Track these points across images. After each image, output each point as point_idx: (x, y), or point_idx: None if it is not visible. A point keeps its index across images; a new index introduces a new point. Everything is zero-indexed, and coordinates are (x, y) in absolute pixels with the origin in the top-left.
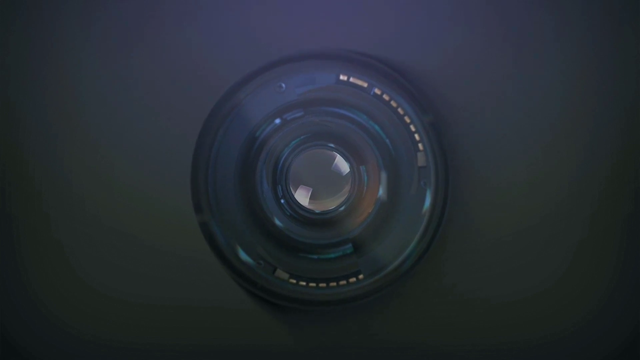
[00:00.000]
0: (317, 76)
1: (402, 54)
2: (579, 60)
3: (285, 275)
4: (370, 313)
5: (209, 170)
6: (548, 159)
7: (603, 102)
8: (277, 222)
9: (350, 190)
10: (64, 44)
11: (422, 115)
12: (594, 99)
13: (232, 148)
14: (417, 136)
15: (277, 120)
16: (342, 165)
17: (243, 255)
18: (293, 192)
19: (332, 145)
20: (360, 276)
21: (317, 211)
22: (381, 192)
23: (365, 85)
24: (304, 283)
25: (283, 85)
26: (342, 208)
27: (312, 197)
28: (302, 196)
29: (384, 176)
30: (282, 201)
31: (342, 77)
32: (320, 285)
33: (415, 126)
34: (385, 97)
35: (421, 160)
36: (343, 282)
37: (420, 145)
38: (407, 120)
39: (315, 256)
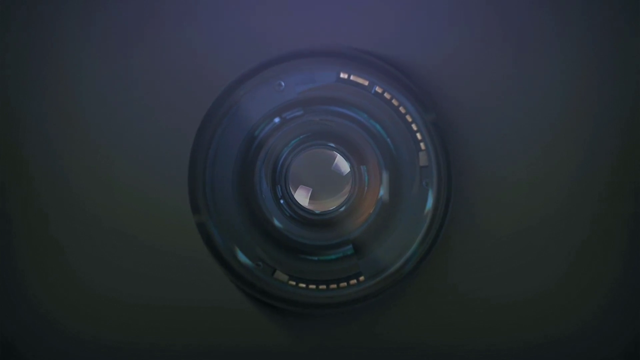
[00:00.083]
0: (317, 74)
1: (404, 51)
2: (581, 59)
3: (284, 277)
4: (371, 314)
5: (207, 170)
6: (551, 158)
7: (605, 100)
8: (277, 222)
9: (350, 190)
10: (63, 43)
11: (424, 114)
12: (596, 97)
13: (231, 147)
14: (418, 135)
15: (277, 119)
16: (343, 165)
17: (241, 257)
18: (293, 192)
19: (332, 144)
20: (361, 278)
21: (317, 212)
22: (382, 192)
23: (366, 83)
24: (303, 285)
25: (282, 83)
26: (342, 208)
27: (312, 198)
28: (301, 196)
29: (385, 176)
30: (282, 201)
31: (343, 75)
32: (320, 287)
33: (417, 125)
34: (387, 95)
35: (423, 159)
36: (343, 284)
37: (422, 145)
38: (409, 119)
39: (315, 258)
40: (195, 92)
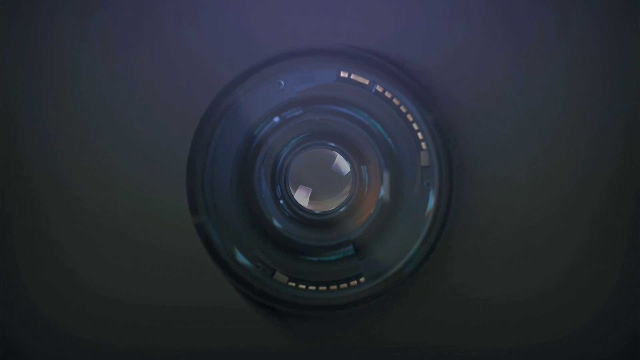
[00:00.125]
0: (317, 73)
1: (405, 50)
2: (582, 58)
3: (284, 279)
4: (372, 314)
5: (206, 170)
6: (552, 158)
7: (607, 99)
8: (276, 223)
9: (351, 190)
10: (62, 43)
11: (425, 113)
12: (598, 96)
13: (230, 147)
14: (420, 135)
15: (276, 119)
16: (343, 164)
17: (240, 258)
18: (292, 192)
19: (332, 144)
20: (362, 279)
21: (317, 212)
22: (383, 192)
23: (367, 82)
24: (303, 286)
25: (282, 82)
26: (342, 209)
27: (312, 198)
28: (301, 197)
29: (385, 176)
30: (281, 202)
31: (343, 74)
32: (320, 288)
33: (418, 124)
34: (387, 94)
35: (424, 159)
36: (344, 286)
37: (423, 144)
38: (410, 118)
39: (315, 258)
40: (193, 91)
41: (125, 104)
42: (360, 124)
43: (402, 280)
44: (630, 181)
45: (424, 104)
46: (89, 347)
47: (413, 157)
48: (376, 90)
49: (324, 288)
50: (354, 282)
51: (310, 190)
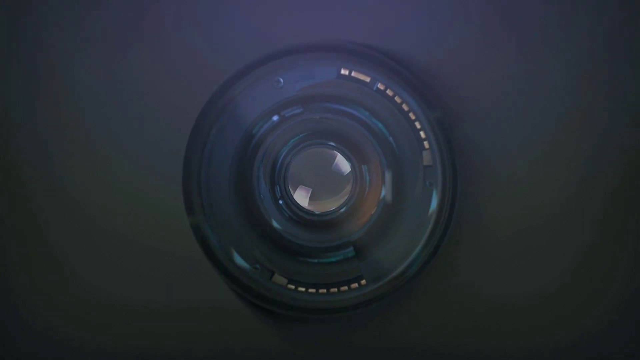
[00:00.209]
0: (316, 70)
1: (407, 46)
2: (589, 53)
3: (283, 281)
4: (373, 318)
5: (202, 170)
6: (559, 157)
7: (616, 96)
8: (275, 224)
9: (351, 190)
10: (55, 41)
11: (428, 112)
12: (606, 93)
13: (227, 147)
14: (422, 134)
15: (275, 117)
16: (343, 164)
17: (238, 260)
18: (292, 192)
19: (332, 143)
20: (363, 282)
21: (317, 212)
22: (384, 192)
23: (368, 79)
24: (302, 289)
25: (281, 80)
26: (343, 209)
27: (312, 198)
28: (301, 197)
29: (387, 176)
30: (281, 202)
31: (344, 72)
32: (320, 291)
33: (420, 123)
34: (389, 92)
35: (427, 159)
36: (344, 288)
37: (426, 144)
38: (412, 116)
39: (315, 260)
40: (190, 89)
41: (120, 103)
42: (362, 122)
43: (404, 282)
44: (634, 180)
45: (427, 102)
46: (86, 350)
47: (415, 157)
48: (378, 88)
49: (324, 290)
50: (355, 285)
51: (310, 190)
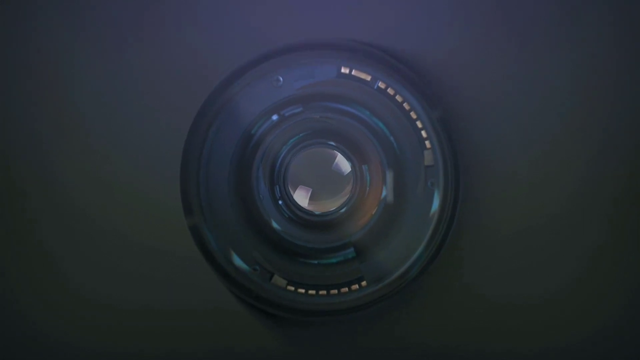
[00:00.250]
0: (316, 69)
1: (408, 44)
2: (593, 50)
3: (282, 282)
4: (376, 319)
5: (201, 170)
6: (563, 156)
7: (622, 93)
8: (275, 224)
9: (351, 190)
10: (52, 39)
11: (429, 111)
12: (612, 91)
13: (226, 146)
14: (424, 133)
15: (274, 117)
16: (343, 164)
17: (237, 261)
18: (292, 192)
19: (332, 143)
20: (363, 283)
21: (317, 213)
22: (385, 192)
23: (369, 78)
24: (302, 290)
25: (280, 78)
26: (343, 210)
27: (312, 198)
28: (301, 197)
29: (387, 176)
30: (280, 202)
31: (344, 70)
32: (321, 292)
33: (422, 122)
34: (390, 91)
35: (428, 159)
36: (345, 290)
37: (427, 143)
38: (414, 115)
39: (315, 261)
40: (188, 87)
41: (117, 101)
42: (362, 121)
43: (405, 284)
44: (638, 179)
45: (428, 100)
46: (82, 351)
47: (417, 157)
48: (378, 87)
49: (324, 292)
50: (355, 286)
51: (310, 190)
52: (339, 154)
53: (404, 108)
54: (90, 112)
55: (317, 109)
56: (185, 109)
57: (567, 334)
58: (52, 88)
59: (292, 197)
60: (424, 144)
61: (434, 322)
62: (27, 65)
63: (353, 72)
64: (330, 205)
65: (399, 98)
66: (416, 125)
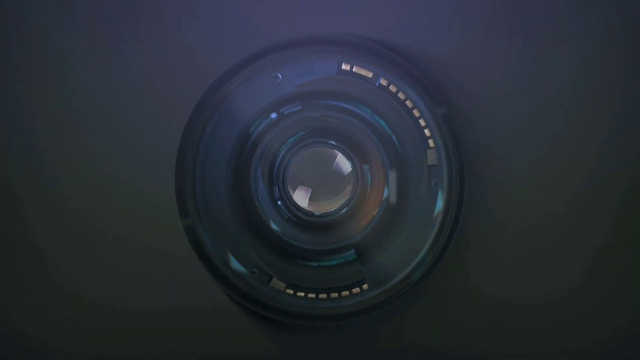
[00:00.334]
0: (316, 65)
1: (411, 39)
2: (602, 46)
3: (281, 285)
4: (378, 324)
5: (197, 169)
6: (572, 154)
7: (630, 90)
8: (273, 225)
9: (352, 191)
10: (46, 37)
11: (433, 108)
12: (620, 89)
13: (223, 145)
14: (427, 131)
15: (273, 115)
16: (344, 164)
17: (234, 264)
18: (291, 193)
19: (333, 142)
20: (365, 286)
21: (316, 214)
22: (387, 193)
23: (370, 75)
24: (302, 294)
25: (279, 75)
26: (343, 210)
27: (312, 199)
28: (300, 197)
29: (390, 176)
30: (279, 203)
31: (345, 67)
32: (320, 296)
33: (425, 120)
34: (392, 88)
35: (432, 158)
36: (345, 293)
37: (430, 142)
38: (417, 113)
39: (314, 263)
40: (184, 84)
41: (111, 99)
42: (363, 120)
43: (408, 288)
44: None
45: (432, 98)
46: (76, 354)
47: (419, 156)
48: (380, 84)
49: (324, 296)
50: (356, 290)
51: (310, 190)
52: (340, 153)
53: (406, 106)
54: (84, 112)
55: (317, 107)
56: (181, 106)
57: (579, 334)
58: (46, 86)
59: (291, 197)
60: (427, 143)
61: (438, 326)
62: (19, 63)
63: (354, 69)
64: (331, 206)
65: (401, 95)
66: (419, 124)
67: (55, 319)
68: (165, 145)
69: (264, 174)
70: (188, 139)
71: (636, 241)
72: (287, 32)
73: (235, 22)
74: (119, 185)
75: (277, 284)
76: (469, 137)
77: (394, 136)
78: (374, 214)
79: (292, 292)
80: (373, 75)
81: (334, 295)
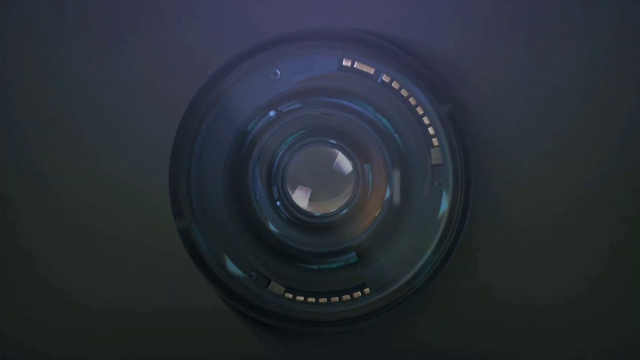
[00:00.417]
0: (316, 61)
1: (415, 33)
2: (610, 42)
3: (280, 289)
4: (380, 328)
5: (192, 169)
6: (581, 152)
7: (633, 90)
8: (272, 227)
9: (353, 191)
10: (39, 33)
11: (437, 105)
12: (630, 85)
13: (220, 144)
14: (431, 129)
15: (272, 113)
16: (344, 163)
17: (231, 267)
18: (290, 193)
19: (333, 141)
20: (366, 290)
21: (316, 215)
22: (389, 193)
23: (372, 71)
24: (301, 298)
25: (278, 71)
26: (344, 211)
27: (312, 199)
28: (300, 198)
29: (392, 176)
30: (278, 204)
31: (345, 63)
32: (320, 300)
33: (429, 118)
34: (395, 84)
35: (436, 157)
36: (346, 297)
37: (434, 140)
38: (420, 111)
39: (314, 266)
40: (178, 80)
41: (102, 95)
42: (365, 118)
43: (411, 292)
44: None
45: (436, 95)
46: (69, 356)
47: (423, 155)
48: (382, 80)
49: (324, 300)
50: (358, 294)
51: (310, 191)
52: (340, 152)
53: (409, 103)
54: (76, 110)
55: (317, 105)
56: (176, 103)
57: (592, 335)
58: (36, 83)
59: (290, 198)
60: (431, 141)
61: (445, 332)
62: (11, 61)
63: (355, 65)
64: (331, 206)
65: (404, 92)
66: (423, 121)
67: (46, 320)
68: (159, 144)
69: (262, 174)
70: (183, 137)
71: None
72: (286, 26)
73: (232, 16)
74: (113, 184)
75: (276, 287)
76: (475, 135)
77: (396, 134)
78: (376, 215)
79: (291, 296)
80: (375, 72)
81: (335, 299)
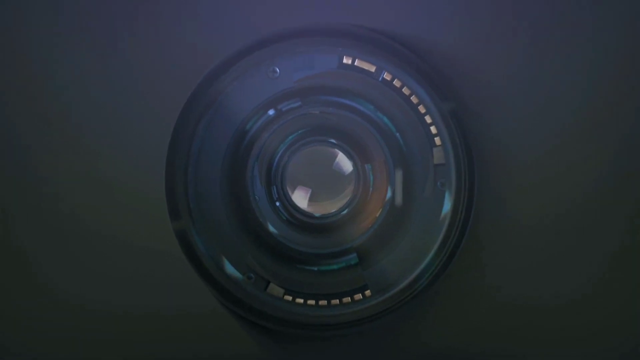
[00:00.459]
0: (316, 59)
1: (417, 30)
2: (616, 39)
3: (279, 292)
4: (380, 331)
5: (189, 168)
6: (586, 151)
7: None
8: (271, 228)
9: (354, 191)
10: (35, 31)
11: (440, 104)
12: (632, 86)
13: (218, 143)
14: (433, 128)
15: (271, 112)
16: (345, 163)
17: (229, 268)
18: (290, 193)
19: (333, 140)
20: (367, 292)
21: (316, 215)
22: (390, 193)
23: (373, 69)
24: (301, 300)
25: (277, 69)
26: (344, 211)
27: (311, 199)
28: (299, 198)
29: (393, 175)
30: (278, 204)
31: (346, 60)
32: (321, 302)
33: (431, 117)
34: (397, 82)
35: (438, 156)
36: (347, 300)
37: (437, 140)
38: (422, 110)
39: (314, 268)
40: (175, 77)
41: (98, 93)
42: (365, 117)
43: (414, 295)
44: None
45: (439, 93)
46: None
47: (425, 154)
48: (383, 78)
49: (324, 302)
50: (359, 296)
51: (310, 191)
52: (340, 152)
53: (411, 101)
54: (71, 108)
55: (317, 103)
56: (173, 101)
57: (599, 336)
58: (31, 82)
59: (290, 198)
60: (434, 141)
61: (446, 335)
62: (7, 60)
63: (356, 63)
64: (331, 207)
65: (406, 90)
66: (425, 120)
67: (42, 320)
68: (156, 143)
69: (261, 174)
70: (179, 136)
71: None
72: (285, 23)
73: (230, 12)
74: (109, 183)
75: (275, 289)
76: (478, 134)
77: (398, 134)
78: (377, 215)
79: (290, 298)
80: (376, 69)
81: (335, 301)
